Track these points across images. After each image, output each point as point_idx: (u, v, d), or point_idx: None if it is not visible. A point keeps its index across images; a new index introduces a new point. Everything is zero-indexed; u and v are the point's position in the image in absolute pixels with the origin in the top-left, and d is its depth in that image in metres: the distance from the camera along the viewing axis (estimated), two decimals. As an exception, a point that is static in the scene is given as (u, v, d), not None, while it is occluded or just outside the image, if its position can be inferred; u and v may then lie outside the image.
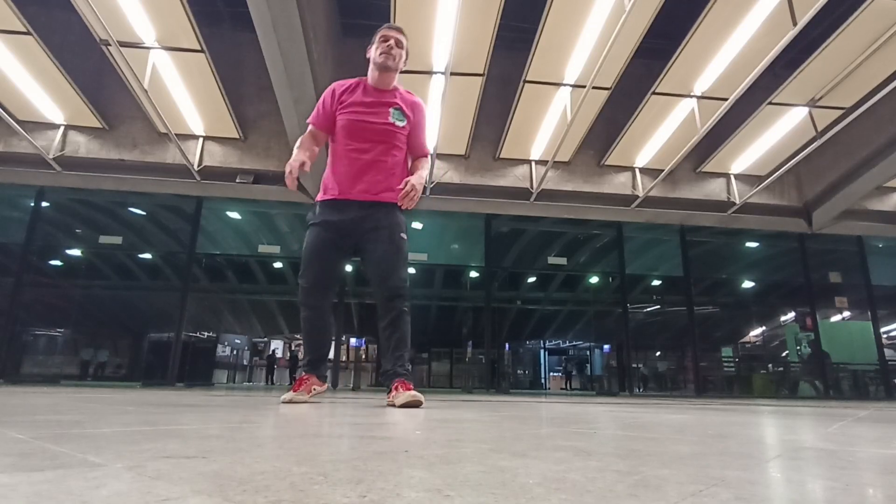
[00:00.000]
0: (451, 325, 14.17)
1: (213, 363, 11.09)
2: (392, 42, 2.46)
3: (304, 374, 2.55)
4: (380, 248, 2.45)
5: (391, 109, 2.51)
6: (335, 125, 2.54)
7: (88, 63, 7.49)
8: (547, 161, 7.94)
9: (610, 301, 10.45)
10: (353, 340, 14.21)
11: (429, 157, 2.68)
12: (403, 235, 2.51)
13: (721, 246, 10.56)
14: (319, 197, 2.55)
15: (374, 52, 2.49)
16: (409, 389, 2.28)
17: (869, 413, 2.90)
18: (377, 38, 2.50)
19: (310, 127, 2.61)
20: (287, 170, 2.36)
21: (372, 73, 2.53)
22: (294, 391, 2.44)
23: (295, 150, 2.51)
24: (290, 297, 14.24)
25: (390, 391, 2.36)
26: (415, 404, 2.20)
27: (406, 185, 2.37)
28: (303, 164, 2.39)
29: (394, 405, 2.24)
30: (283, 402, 2.33)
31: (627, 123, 7.85)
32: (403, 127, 2.54)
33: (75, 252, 9.41)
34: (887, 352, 9.85)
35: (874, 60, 6.37)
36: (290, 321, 18.20)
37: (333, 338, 2.54)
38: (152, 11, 5.94)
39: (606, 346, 14.93)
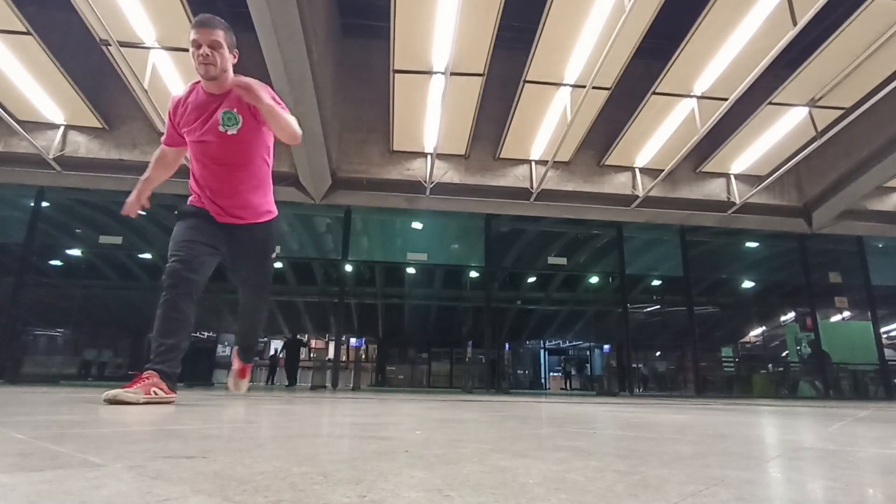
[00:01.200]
0: (451, 325, 14.17)
1: (213, 363, 11.08)
2: (205, 50, 2.13)
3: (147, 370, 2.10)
4: (249, 265, 2.54)
5: (220, 115, 2.23)
6: (180, 137, 2.38)
7: (88, 63, 7.48)
8: (547, 161, 7.94)
9: (610, 301, 10.45)
10: (353, 340, 14.19)
11: (284, 113, 2.27)
12: (275, 252, 2.61)
13: (721, 246, 10.56)
14: (192, 201, 2.41)
15: (191, 56, 2.18)
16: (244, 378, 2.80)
17: (869, 413, 2.90)
18: (189, 41, 2.16)
19: (161, 146, 2.47)
20: (129, 207, 2.44)
21: (201, 79, 2.24)
22: (126, 388, 1.97)
23: (139, 183, 2.48)
24: (290, 298, 14.24)
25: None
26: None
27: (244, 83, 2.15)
28: (139, 207, 2.45)
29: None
30: (106, 400, 1.91)
31: (627, 123, 7.85)
32: (239, 130, 2.25)
33: (75, 252, 9.41)
34: (887, 352, 9.84)
35: (874, 60, 6.37)
36: (291, 321, 18.21)
37: (189, 335, 2.28)
38: (152, 11, 5.94)
39: (606, 346, 14.93)
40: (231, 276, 2.57)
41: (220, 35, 2.17)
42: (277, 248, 2.64)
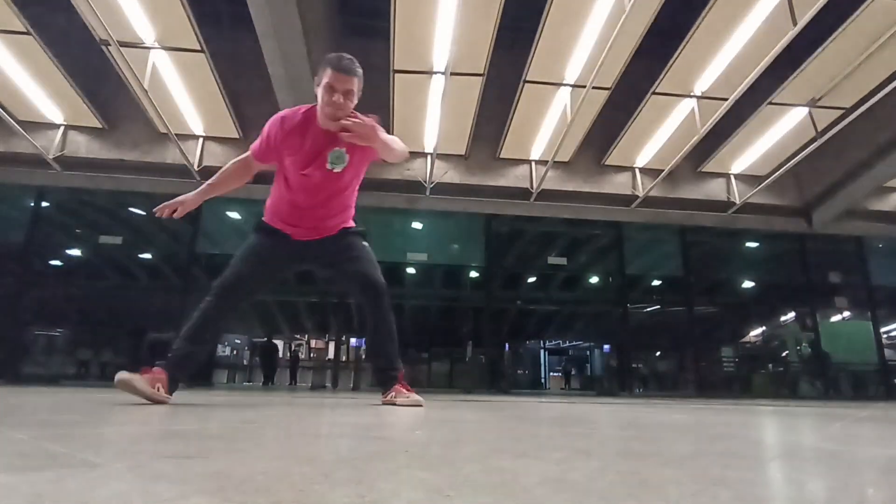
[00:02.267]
0: (451, 325, 14.15)
1: (213, 363, 11.07)
2: (338, 97, 2.15)
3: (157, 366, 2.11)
4: (350, 257, 2.44)
5: (329, 154, 2.26)
6: (278, 159, 2.36)
7: (88, 63, 7.48)
8: (547, 161, 7.94)
9: (610, 301, 10.45)
10: (353, 340, 14.18)
11: (395, 141, 2.35)
12: (366, 244, 2.52)
13: (721, 246, 10.56)
14: (268, 218, 2.45)
15: (320, 95, 2.19)
16: (412, 392, 2.36)
17: (869, 413, 2.90)
18: (324, 80, 2.16)
19: (252, 150, 2.38)
20: (168, 205, 2.36)
21: (321, 115, 2.24)
22: (140, 374, 2.01)
23: (203, 186, 2.42)
24: (289, 298, 14.24)
25: (389, 391, 2.41)
26: (418, 406, 2.28)
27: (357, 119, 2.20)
28: (180, 208, 2.38)
29: (394, 404, 2.31)
30: (118, 382, 1.93)
31: (627, 123, 7.85)
32: (344, 169, 2.31)
33: (75, 252, 9.40)
34: (887, 352, 9.84)
35: (874, 60, 6.37)
36: (291, 321, 18.20)
37: (213, 346, 2.31)
38: (152, 11, 5.94)
39: (606, 346, 14.93)
40: (343, 289, 2.53)
41: (355, 84, 2.20)
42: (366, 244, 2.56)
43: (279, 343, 19.73)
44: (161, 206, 2.35)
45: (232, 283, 2.27)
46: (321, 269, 2.53)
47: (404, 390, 2.37)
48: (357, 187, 2.51)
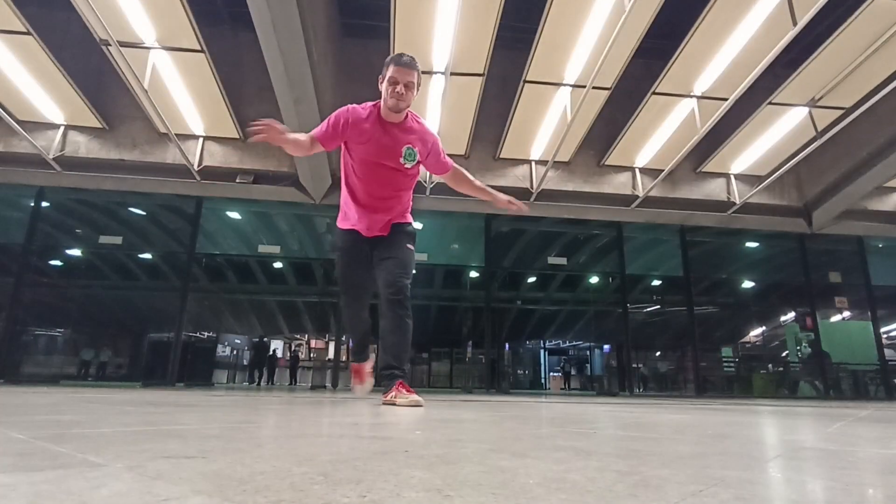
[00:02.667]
0: (451, 325, 14.15)
1: (213, 363, 11.08)
2: (401, 89, 2.42)
3: (355, 363, 2.93)
4: (389, 255, 2.65)
5: (403, 149, 2.54)
6: (340, 146, 2.60)
7: (88, 63, 7.48)
8: (547, 161, 7.94)
9: (610, 301, 10.45)
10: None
11: (455, 165, 2.80)
12: (410, 246, 2.71)
13: (721, 246, 10.56)
14: (341, 223, 2.75)
15: (384, 90, 2.47)
16: (412, 392, 2.44)
17: (869, 413, 2.90)
18: (388, 74, 2.45)
19: (314, 136, 2.54)
20: (267, 128, 2.27)
21: (384, 108, 2.51)
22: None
23: (292, 135, 2.47)
24: (290, 298, 14.23)
25: (390, 390, 2.44)
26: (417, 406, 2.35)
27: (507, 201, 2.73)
28: (283, 139, 2.38)
29: (394, 403, 2.36)
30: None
31: (627, 123, 7.85)
32: (413, 167, 2.60)
33: (75, 252, 9.40)
34: (887, 352, 9.84)
35: (874, 60, 6.36)
36: (290, 321, 18.19)
37: (370, 335, 2.81)
38: (152, 11, 5.94)
39: (606, 346, 14.92)
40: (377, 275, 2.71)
41: (415, 77, 2.47)
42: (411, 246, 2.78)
43: (279, 343, 19.75)
44: (270, 130, 2.31)
45: (346, 285, 2.79)
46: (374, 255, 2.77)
47: (405, 391, 2.42)
48: (413, 188, 2.78)
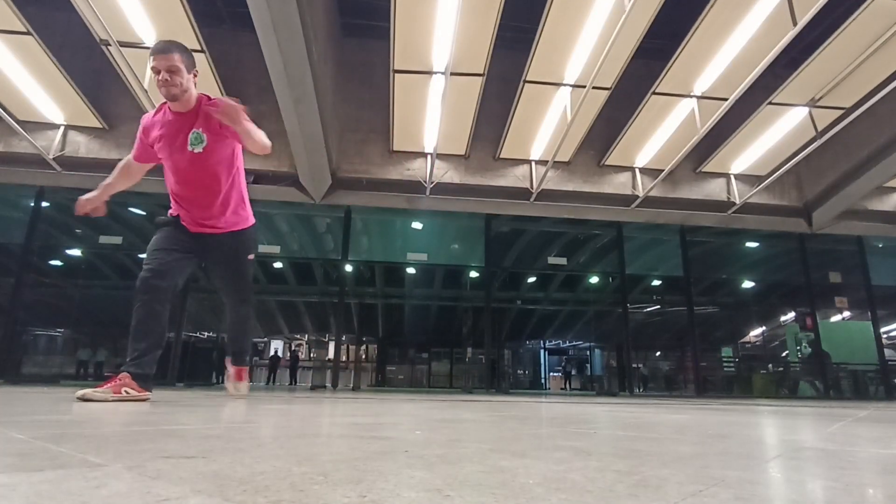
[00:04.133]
0: (451, 325, 14.16)
1: (213, 363, 11.07)
2: (164, 75, 2.30)
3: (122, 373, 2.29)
4: (225, 272, 2.75)
5: (190, 135, 2.42)
6: (152, 155, 2.56)
7: (88, 63, 7.48)
8: (547, 161, 7.94)
9: (610, 301, 10.44)
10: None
11: (257, 131, 2.44)
12: (250, 257, 2.76)
13: (721, 246, 10.55)
14: (172, 212, 2.63)
15: (156, 82, 2.38)
16: (243, 383, 2.94)
17: (869, 413, 2.90)
18: (150, 66, 2.35)
19: (130, 156, 2.62)
20: (82, 203, 2.55)
21: (165, 99, 2.43)
22: (97, 388, 2.17)
23: (100, 186, 2.61)
24: (290, 298, 14.24)
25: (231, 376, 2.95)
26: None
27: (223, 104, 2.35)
28: (93, 207, 2.58)
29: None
30: (79, 399, 2.10)
31: (627, 123, 7.85)
32: (205, 148, 2.43)
33: (75, 252, 9.40)
34: (887, 352, 9.83)
35: (874, 60, 6.36)
36: (291, 321, 18.20)
37: (163, 336, 2.43)
38: (152, 11, 5.94)
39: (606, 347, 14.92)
40: (211, 283, 2.80)
41: (175, 59, 2.32)
42: (251, 256, 2.79)
43: (279, 343, 19.77)
44: (83, 206, 2.59)
45: (145, 278, 2.41)
46: (204, 260, 2.73)
47: (240, 382, 2.87)
48: (237, 183, 2.63)
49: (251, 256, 2.76)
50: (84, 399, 2.07)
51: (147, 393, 2.28)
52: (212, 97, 2.47)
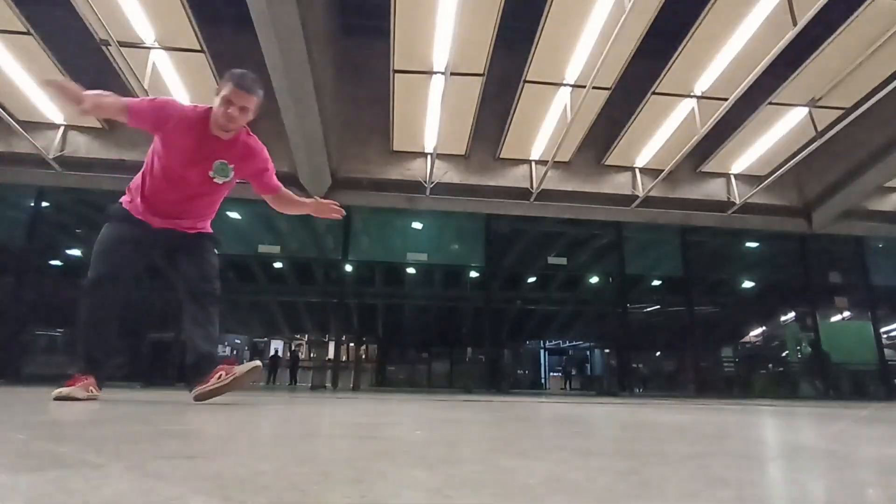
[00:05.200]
0: (450, 326, 14.16)
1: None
2: (234, 111, 2.21)
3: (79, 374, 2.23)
4: (190, 263, 2.49)
5: (215, 163, 2.35)
6: (151, 130, 2.35)
7: (88, 63, 7.47)
8: (547, 161, 7.94)
9: (610, 301, 10.44)
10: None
11: (282, 188, 2.67)
12: (214, 262, 2.57)
13: (721, 246, 10.55)
14: (125, 202, 2.45)
15: (217, 103, 2.24)
16: (209, 386, 2.38)
17: (869, 413, 2.90)
18: (224, 91, 2.22)
19: (127, 105, 2.28)
20: (59, 87, 2.22)
21: (213, 120, 2.29)
22: (71, 385, 2.16)
23: (92, 93, 2.24)
24: (289, 298, 14.23)
25: (199, 382, 2.36)
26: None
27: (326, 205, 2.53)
28: (74, 98, 2.19)
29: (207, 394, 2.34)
30: (56, 399, 2.09)
31: (627, 123, 7.85)
32: (225, 183, 2.43)
33: (75, 252, 9.40)
34: (887, 352, 9.83)
35: (874, 60, 6.36)
36: (290, 321, 18.20)
37: (114, 335, 2.39)
38: (152, 11, 5.94)
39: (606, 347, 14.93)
40: (173, 282, 2.56)
41: (253, 102, 2.27)
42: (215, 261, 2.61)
43: (279, 343, 19.78)
44: (58, 85, 2.25)
45: (94, 280, 2.30)
46: (164, 255, 2.55)
47: (210, 380, 2.33)
48: (221, 201, 2.63)
49: (216, 262, 2.60)
50: (64, 398, 2.09)
51: (99, 392, 2.29)
52: (251, 132, 2.45)
